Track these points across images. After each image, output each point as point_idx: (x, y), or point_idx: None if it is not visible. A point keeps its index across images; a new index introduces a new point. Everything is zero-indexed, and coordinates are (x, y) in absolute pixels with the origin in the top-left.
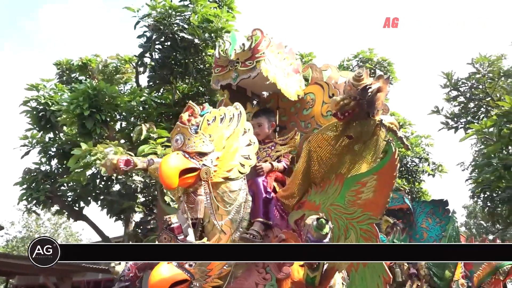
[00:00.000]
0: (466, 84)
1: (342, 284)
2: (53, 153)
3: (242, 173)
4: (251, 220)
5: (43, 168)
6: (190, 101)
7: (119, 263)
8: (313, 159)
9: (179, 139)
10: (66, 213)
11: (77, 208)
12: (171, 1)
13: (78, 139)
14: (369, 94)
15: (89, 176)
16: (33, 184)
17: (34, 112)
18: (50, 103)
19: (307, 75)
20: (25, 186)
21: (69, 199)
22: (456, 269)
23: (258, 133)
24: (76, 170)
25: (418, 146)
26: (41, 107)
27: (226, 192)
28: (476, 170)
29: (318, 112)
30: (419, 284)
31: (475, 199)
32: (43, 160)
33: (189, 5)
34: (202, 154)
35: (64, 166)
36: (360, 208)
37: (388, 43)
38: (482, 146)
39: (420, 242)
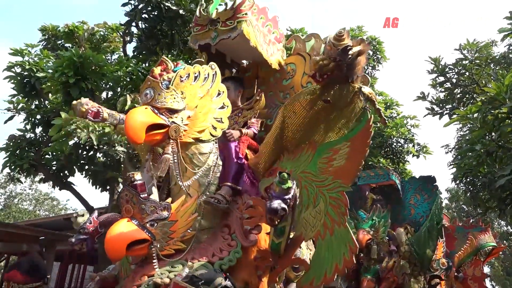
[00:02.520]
0: (453, 70)
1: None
2: (38, 121)
3: (213, 136)
4: (220, 184)
5: (27, 136)
6: (164, 56)
7: (82, 215)
8: (287, 125)
9: (148, 93)
10: (51, 181)
11: (61, 177)
12: None
13: (63, 107)
14: (350, 56)
15: (71, 146)
16: (17, 151)
17: (19, 78)
18: (35, 70)
19: (291, 47)
20: (9, 153)
21: (54, 168)
22: (438, 248)
23: None
24: (58, 140)
25: (403, 126)
26: (25, 73)
27: (195, 154)
28: (459, 156)
29: (298, 82)
30: (396, 260)
31: (457, 182)
32: (28, 127)
33: None
34: (172, 111)
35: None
36: (331, 175)
37: (379, 24)
38: (467, 131)
39: (408, 219)
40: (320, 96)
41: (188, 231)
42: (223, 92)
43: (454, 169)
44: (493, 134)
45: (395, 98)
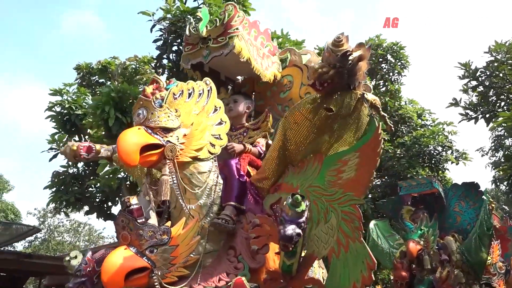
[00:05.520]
0: (485, 73)
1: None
2: None
3: (212, 154)
4: (222, 204)
5: (70, 171)
6: (155, 75)
7: (75, 257)
8: (289, 137)
9: (141, 113)
10: (95, 213)
11: (105, 209)
12: (185, 3)
13: (104, 140)
14: (350, 62)
15: (117, 179)
16: (62, 187)
17: (59, 117)
18: (74, 107)
19: (285, 58)
20: (54, 188)
21: (97, 199)
22: (494, 252)
23: (232, 108)
24: (105, 176)
25: (440, 134)
26: (65, 111)
27: (194, 174)
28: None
29: (296, 94)
30: (449, 270)
31: (498, 184)
32: (70, 163)
33: (202, 5)
34: (167, 130)
35: (90, 168)
36: (341, 188)
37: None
38: (502, 131)
39: (454, 227)
40: (321, 105)
41: (191, 255)
42: (219, 107)
43: (494, 171)
44: None
45: (426, 105)
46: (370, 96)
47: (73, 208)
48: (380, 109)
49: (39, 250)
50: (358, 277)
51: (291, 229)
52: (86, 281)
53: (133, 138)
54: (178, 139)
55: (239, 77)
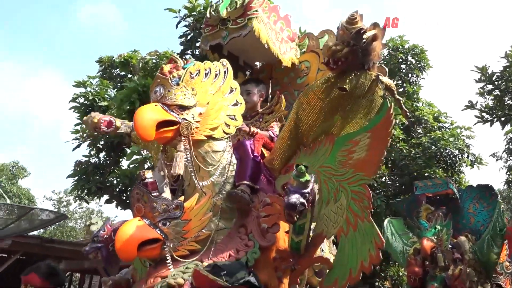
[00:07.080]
0: (501, 78)
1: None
2: (101, 146)
3: (227, 134)
4: (236, 183)
5: (92, 161)
6: (173, 54)
7: (96, 222)
8: (301, 117)
9: (158, 90)
10: (115, 202)
11: (125, 198)
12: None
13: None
14: (364, 40)
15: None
16: (84, 176)
17: (82, 108)
18: (97, 99)
19: (304, 45)
20: (76, 177)
21: (117, 189)
22: (501, 252)
23: (247, 100)
24: (132, 165)
25: (458, 137)
26: (88, 103)
27: (208, 152)
28: None
29: (313, 79)
30: (462, 268)
31: (511, 185)
32: (92, 153)
33: None
34: (183, 108)
35: (111, 158)
36: (352, 168)
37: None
38: None
39: (468, 227)
40: (335, 84)
41: (203, 231)
42: (235, 88)
43: (508, 174)
44: None
45: (444, 107)
46: (385, 79)
47: (94, 197)
48: (395, 92)
49: (55, 235)
50: (365, 256)
51: (295, 198)
52: (102, 247)
53: (149, 114)
54: (193, 117)
55: (257, 63)
